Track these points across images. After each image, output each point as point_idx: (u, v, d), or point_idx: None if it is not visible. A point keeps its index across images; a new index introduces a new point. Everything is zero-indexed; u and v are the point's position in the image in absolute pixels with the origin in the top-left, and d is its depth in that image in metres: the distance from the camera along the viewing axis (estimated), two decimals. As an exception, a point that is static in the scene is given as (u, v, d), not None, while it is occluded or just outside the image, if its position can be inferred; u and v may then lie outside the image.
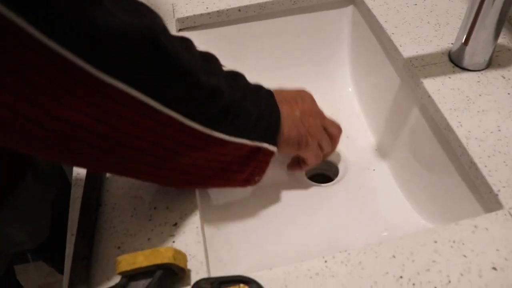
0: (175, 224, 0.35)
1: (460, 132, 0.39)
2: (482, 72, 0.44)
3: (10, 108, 0.23)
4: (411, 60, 0.46)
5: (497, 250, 0.31)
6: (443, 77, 0.44)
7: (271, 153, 0.39)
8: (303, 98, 0.44)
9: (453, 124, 0.39)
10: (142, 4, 0.27)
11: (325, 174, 0.55)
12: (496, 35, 0.42)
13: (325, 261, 0.31)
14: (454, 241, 0.32)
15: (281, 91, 0.43)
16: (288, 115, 0.40)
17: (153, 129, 0.29)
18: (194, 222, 0.35)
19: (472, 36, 0.42)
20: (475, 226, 0.33)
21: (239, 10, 0.56)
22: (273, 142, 0.39)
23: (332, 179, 0.53)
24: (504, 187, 0.35)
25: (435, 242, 0.32)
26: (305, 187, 0.52)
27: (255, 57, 0.60)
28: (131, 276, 0.29)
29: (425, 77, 0.44)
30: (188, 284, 0.31)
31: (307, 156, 0.44)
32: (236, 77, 0.36)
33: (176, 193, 0.37)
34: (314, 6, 0.58)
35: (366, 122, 0.57)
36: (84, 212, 0.36)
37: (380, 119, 0.54)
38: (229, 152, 0.35)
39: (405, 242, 0.32)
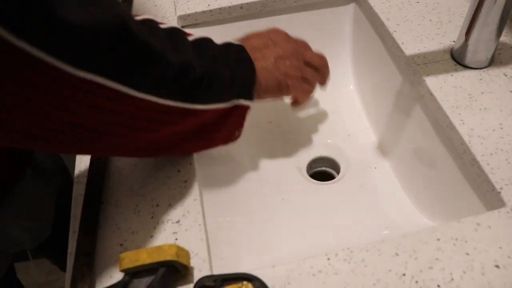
0: (178, 222, 0.35)
1: (463, 130, 0.39)
2: (484, 70, 0.44)
3: None
4: (413, 57, 0.46)
5: (500, 247, 0.31)
6: (445, 75, 0.44)
7: (247, 108, 0.39)
8: (275, 41, 0.43)
9: (455, 121, 0.39)
10: None
11: (326, 172, 0.55)
12: (499, 33, 0.42)
13: (328, 259, 0.31)
14: (456, 239, 0.32)
15: (251, 40, 0.43)
16: (262, 66, 0.40)
17: (130, 114, 0.29)
18: (196, 220, 0.35)
19: (475, 34, 0.42)
20: (478, 224, 0.33)
21: (241, 8, 0.55)
22: (249, 97, 0.39)
23: (333, 177, 0.54)
24: (506, 184, 0.35)
25: (438, 240, 0.32)
26: (306, 185, 0.52)
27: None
28: (134, 273, 0.29)
29: (427, 75, 0.44)
30: (191, 281, 0.31)
31: (295, 96, 0.45)
32: (203, 44, 0.36)
33: (178, 191, 0.37)
34: (316, 4, 0.58)
35: (368, 120, 0.57)
36: (87, 209, 0.36)
37: (381, 117, 0.54)
38: (205, 118, 0.35)
39: (408, 240, 0.32)
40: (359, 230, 0.46)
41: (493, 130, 0.38)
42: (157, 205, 0.36)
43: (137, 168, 0.39)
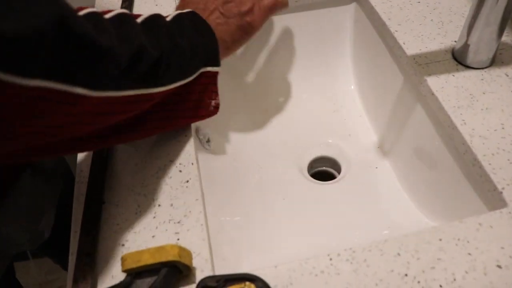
0: (180, 222, 0.35)
1: (464, 130, 0.39)
2: (486, 70, 0.44)
3: None
4: (415, 57, 0.46)
5: (502, 247, 0.31)
6: (447, 75, 0.44)
7: (215, 73, 0.39)
8: None
9: (457, 121, 0.39)
10: None
11: (327, 172, 0.55)
12: (500, 33, 0.42)
13: (330, 259, 0.31)
14: (458, 239, 0.32)
15: (196, 3, 0.42)
16: (216, 22, 0.40)
17: (89, 111, 0.28)
18: (198, 220, 0.35)
19: (476, 34, 0.42)
20: (480, 224, 0.33)
21: (242, 7, 0.55)
22: (215, 63, 0.38)
23: (334, 177, 0.54)
24: (508, 184, 0.35)
25: (440, 240, 0.32)
26: (307, 185, 0.52)
27: (257, 54, 0.60)
28: (136, 273, 0.29)
29: (429, 74, 0.44)
30: (193, 281, 0.31)
31: (266, 16, 0.44)
32: (155, 22, 0.35)
33: (180, 191, 0.37)
34: (317, 4, 0.58)
35: (369, 120, 0.57)
36: (88, 209, 0.36)
37: (382, 117, 0.54)
38: (171, 95, 0.35)
39: (410, 240, 0.32)
40: (360, 229, 0.46)
41: (495, 130, 0.39)
42: (159, 205, 0.36)
43: (138, 168, 0.39)
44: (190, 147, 0.40)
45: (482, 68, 0.44)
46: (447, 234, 0.32)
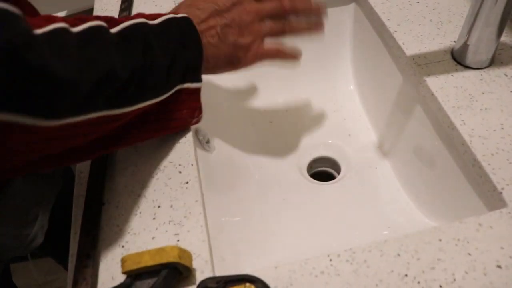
0: (179, 223, 0.35)
1: (463, 130, 0.39)
2: (485, 70, 0.44)
3: None
4: (414, 58, 0.46)
5: (502, 248, 0.31)
6: (446, 75, 0.44)
7: (196, 89, 0.37)
8: (222, 9, 0.38)
9: (456, 122, 0.39)
10: None
11: (327, 172, 0.55)
12: (499, 33, 0.42)
13: (330, 260, 0.31)
14: (458, 239, 0.32)
15: (196, 4, 0.38)
16: (208, 41, 0.37)
17: (50, 139, 0.27)
18: (198, 221, 0.35)
19: (475, 34, 0.42)
20: (480, 224, 0.33)
21: (241, 8, 0.55)
22: (195, 80, 0.36)
23: (334, 177, 0.54)
24: (508, 185, 0.35)
25: (440, 240, 0.32)
26: (307, 185, 0.52)
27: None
28: (136, 275, 0.29)
29: (428, 75, 0.44)
30: (194, 283, 0.31)
31: (258, 61, 0.40)
32: (134, 33, 0.32)
33: (180, 192, 0.37)
34: (316, 4, 0.58)
35: (368, 120, 0.57)
36: (88, 210, 0.36)
37: (382, 117, 0.54)
38: (143, 113, 0.33)
39: (410, 240, 0.32)
40: (359, 230, 0.47)
41: (494, 130, 0.39)
42: (159, 206, 0.36)
43: (138, 169, 0.39)
44: (189, 148, 0.40)
45: (481, 68, 0.44)
46: (447, 235, 0.32)
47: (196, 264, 0.32)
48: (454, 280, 0.30)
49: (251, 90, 0.60)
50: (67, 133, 0.28)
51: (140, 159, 0.39)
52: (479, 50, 0.43)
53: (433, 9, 0.51)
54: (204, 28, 0.37)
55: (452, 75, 0.44)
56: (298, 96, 0.61)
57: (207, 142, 0.46)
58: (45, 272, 1.17)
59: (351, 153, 0.54)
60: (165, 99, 0.35)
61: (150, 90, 0.33)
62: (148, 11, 0.56)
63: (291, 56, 0.41)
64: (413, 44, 0.47)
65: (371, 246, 0.32)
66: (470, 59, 0.44)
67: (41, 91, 0.24)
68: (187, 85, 0.36)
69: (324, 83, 0.61)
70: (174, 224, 0.35)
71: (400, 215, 0.47)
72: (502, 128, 0.39)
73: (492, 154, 0.37)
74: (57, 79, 0.25)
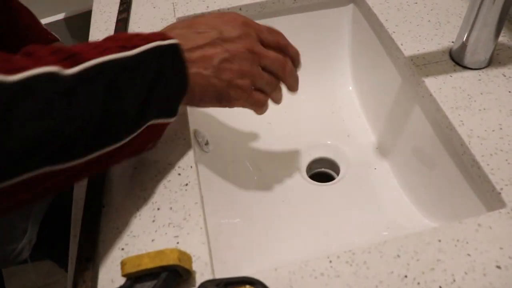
0: (179, 225, 0.35)
1: (462, 131, 0.39)
2: (483, 70, 0.44)
3: None
4: (412, 58, 0.46)
5: (501, 248, 0.31)
6: (444, 76, 0.44)
7: (164, 124, 0.33)
8: (227, 34, 0.34)
9: (455, 122, 0.40)
10: None
11: (326, 173, 0.55)
12: (497, 33, 0.42)
13: (330, 261, 0.31)
14: (458, 240, 0.32)
15: (195, 28, 0.34)
16: (199, 72, 0.33)
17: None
18: (198, 223, 0.35)
19: (473, 35, 0.42)
20: (479, 225, 0.33)
21: (240, 9, 0.55)
22: (169, 115, 0.33)
23: (333, 178, 0.54)
24: (506, 185, 0.35)
25: (439, 241, 0.32)
26: (306, 186, 0.52)
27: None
28: (136, 278, 0.29)
29: (426, 75, 0.44)
30: (193, 285, 0.31)
31: (242, 106, 0.37)
32: (95, 76, 0.27)
33: (179, 194, 0.37)
34: (315, 5, 0.58)
35: (367, 121, 0.57)
36: (87, 213, 0.36)
37: (381, 118, 0.54)
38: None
39: (410, 241, 0.32)
40: (359, 231, 0.47)
41: (493, 130, 0.39)
42: (158, 209, 0.36)
43: (137, 172, 0.39)
44: (188, 150, 0.40)
45: (480, 69, 0.44)
46: (446, 235, 0.32)
47: (196, 266, 0.32)
48: (454, 281, 0.30)
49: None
50: (3, 196, 0.25)
51: (139, 161, 0.39)
52: (477, 51, 0.43)
53: (431, 10, 0.52)
54: (197, 57, 0.33)
55: (451, 76, 0.44)
56: (297, 97, 0.61)
57: (206, 144, 0.46)
58: (44, 274, 1.17)
59: (350, 154, 0.54)
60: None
61: (111, 137, 0.29)
62: (146, 12, 0.56)
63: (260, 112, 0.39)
64: (411, 44, 0.47)
65: (371, 247, 0.32)
66: (468, 59, 0.44)
67: None
68: (159, 121, 0.32)
69: (323, 84, 0.61)
70: (174, 226, 0.35)
71: (400, 216, 0.47)
72: (501, 129, 0.39)
73: (491, 155, 0.37)
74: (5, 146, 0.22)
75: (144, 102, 0.30)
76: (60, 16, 0.91)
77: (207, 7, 0.55)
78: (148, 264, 0.29)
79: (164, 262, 0.29)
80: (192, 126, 0.43)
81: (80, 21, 0.92)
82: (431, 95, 0.42)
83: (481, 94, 0.42)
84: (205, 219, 0.36)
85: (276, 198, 0.50)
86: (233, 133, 0.55)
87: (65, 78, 0.26)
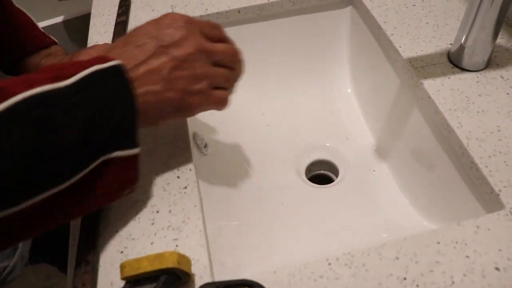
0: (178, 228, 0.35)
1: (461, 133, 0.39)
2: (481, 72, 0.44)
3: None
4: (411, 60, 0.46)
5: (500, 250, 0.31)
6: (443, 78, 0.44)
7: (130, 157, 0.30)
8: (169, 39, 0.31)
9: (453, 124, 0.40)
10: None
11: (325, 176, 0.55)
12: (495, 35, 0.42)
13: (329, 264, 0.31)
14: (457, 242, 0.32)
15: (134, 42, 0.31)
16: (149, 90, 0.30)
17: None
18: (197, 226, 0.35)
19: (471, 37, 0.42)
20: (477, 227, 0.33)
21: (239, 12, 0.56)
22: (129, 144, 0.29)
23: (332, 180, 0.54)
24: (505, 187, 0.35)
25: (438, 243, 0.32)
26: (305, 188, 0.52)
27: (255, 58, 0.60)
28: (135, 281, 0.29)
29: (425, 77, 0.44)
30: (192, 288, 0.31)
31: (205, 110, 0.35)
32: (24, 112, 0.24)
33: (178, 197, 0.37)
34: (313, 7, 0.58)
35: (366, 123, 0.57)
36: (86, 216, 0.36)
37: (379, 120, 0.55)
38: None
39: (408, 243, 0.32)
40: (358, 233, 0.47)
41: (491, 132, 0.39)
42: (157, 212, 0.36)
43: (136, 174, 0.39)
44: (187, 153, 0.40)
45: (478, 71, 0.44)
46: (445, 237, 0.32)
47: (195, 269, 0.32)
48: (453, 283, 0.30)
49: (249, 94, 0.60)
50: None
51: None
52: (475, 53, 0.43)
53: (429, 12, 0.52)
54: (142, 73, 0.30)
55: (449, 78, 0.44)
56: (296, 99, 0.61)
57: (205, 146, 0.46)
58: (44, 277, 1.17)
59: (349, 156, 0.54)
60: (84, 178, 0.27)
61: (52, 176, 0.26)
62: (145, 15, 0.56)
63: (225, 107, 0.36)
64: (409, 47, 0.47)
65: (370, 249, 0.32)
66: (466, 61, 0.44)
67: None
68: (116, 153, 0.29)
69: (322, 86, 0.61)
70: (173, 229, 0.35)
71: (399, 218, 0.47)
72: (499, 131, 0.39)
73: (489, 157, 0.37)
74: None
75: (88, 134, 0.27)
76: (59, 19, 0.92)
77: (206, 9, 0.55)
78: (147, 267, 0.29)
79: (163, 265, 0.29)
80: (191, 129, 0.43)
81: (79, 24, 0.92)
82: (429, 97, 0.42)
83: (479, 96, 0.42)
84: (204, 222, 0.36)
85: (275, 200, 0.50)
86: (232, 136, 0.55)
87: None
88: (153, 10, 0.57)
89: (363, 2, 0.54)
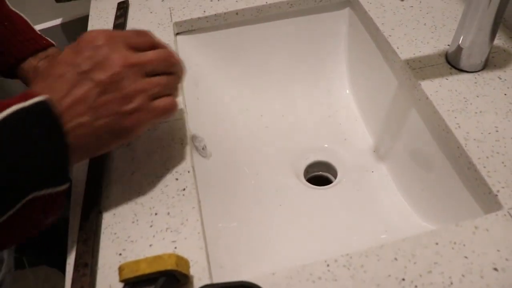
0: (177, 230, 0.35)
1: (459, 133, 0.39)
2: (479, 73, 0.44)
3: None
4: (409, 62, 0.46)
5: (498, 250, 0.31)
6: (441, 79, 0.44)
7: (59, 193, 0.28)
8: (92, 62, 0.29)
9: (451, 125, 0.40)
10: None
11: (324, 177, 0.55)
12: (492, 36, 0.42)
13: (327, 265, 0.31)
14: (455, 243, 0.32)
15: (54, 74, 0.29)
16: (79, 124, 0.28)
17: None
18: (195, 228, 0.35)
19: (469, 38, 0.42)
20: (476, 227, 0.33)
21: (237, 14, 0.56)
22: (59, 182, 0.28)
23: (330, 182, 0.54)
24: (503, 187, 0.35)
25: (436, 243, 0.32)
26: (304, 190, 0.52)
27: (253, 60, 0.60)
28: (134, 283, 0.29)
29: (423, 79, 0.44)
30: (191, 290, 0.31)
31: (151, 126, 0.33)
32: None
33: (177, 199, 0.37)
34: (311, 9, 0.58)
35: (364, 124, 0.57)
36: (85, 219, 0.35)
37: (378, 121, 0.55)
38: None
39: (407, 244, 0.32)
40: (357, 234, 0.47)
41: (489, 133, 0.39)
42: (156, 214, 0.36)
43: (135, 177, 0.39)
44: (186, 155, 0.40)
45: (475, 72, 0.44)
46: (444, 238, 0.32)
47: (193, 271, 0.32)
48: (451, 283, 0.30)
49: (247, 96, 0.60)
50: None
51: (137, 166, 0.39)
52: (473, 54, 0.43)
53: (427, 13, 0.52)
54: (68, 105, 0.28)
55: (447, 79, 0.44)
56: (294, 101, 0.61)
57: (203, 148, 0.46)
58: (43, 279, 1.17)
59: (347, 157, 0.54)
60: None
61: None
62: (143, 17, 0.56)
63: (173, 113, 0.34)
64: (407, 48, 0.48)
65: (368, 251, 0.32)
66: (464, 62, 0.44)
67: None
68: (44, 192, 0.27)
69: (320, 88, 0.61)
70: (171, 231, 0.35)
71: (397, 219, 0.47)
72: (497, 131, 0.39)
73: (487, 157, 0.37)
74: None
75: (13, 178, 0.25)
76: (58, 21, 0.92)
77: (204, 11, 0.55)
78: (145, 269, 0.29)
79: (162, 267, 0.29)
80: (189, 131, 0.43)
81: (77, 26, 0.92)
82: (427, 98, 0.43)
83: (477, 97, 0.42)
84: (202, 224, 0.36)
85: (273, 202, 0.50)
86: (231, 138, 0.55)
87: None
88: (151, 12, 0.57)
89: (361, 4, 0.54)
